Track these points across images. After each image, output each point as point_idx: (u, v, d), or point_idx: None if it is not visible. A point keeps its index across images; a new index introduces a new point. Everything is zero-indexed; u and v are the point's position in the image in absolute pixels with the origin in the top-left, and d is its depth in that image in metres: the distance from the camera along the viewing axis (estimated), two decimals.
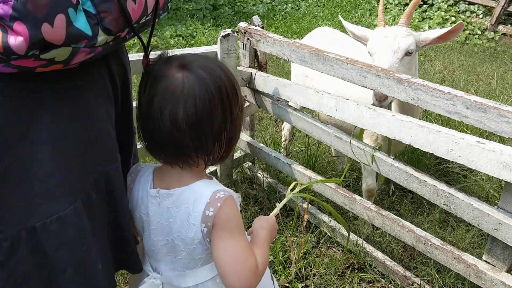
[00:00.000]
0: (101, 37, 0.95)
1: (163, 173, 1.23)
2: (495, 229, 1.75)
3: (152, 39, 1.19)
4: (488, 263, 1.92)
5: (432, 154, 1.86)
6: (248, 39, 2.67)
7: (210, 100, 1.09)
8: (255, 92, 2.80)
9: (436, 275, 2.32)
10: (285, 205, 2.96)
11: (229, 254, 1.13)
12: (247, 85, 2.82)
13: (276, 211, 1.55)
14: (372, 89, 2.02)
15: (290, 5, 8.67)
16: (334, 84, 2.65)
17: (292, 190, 1.77)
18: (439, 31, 2.30)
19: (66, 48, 0.91)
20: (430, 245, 2.08)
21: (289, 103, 2.84)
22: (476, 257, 1.99)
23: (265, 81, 2.68)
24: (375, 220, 2.32)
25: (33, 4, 0.83)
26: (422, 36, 2.32)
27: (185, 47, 6.49)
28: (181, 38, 6.87)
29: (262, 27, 2.69)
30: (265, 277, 1.49)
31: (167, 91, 1.09)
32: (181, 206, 1.17)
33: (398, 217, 2.24)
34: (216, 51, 2.55)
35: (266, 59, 2.89)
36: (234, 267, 1.12)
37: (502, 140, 3.29)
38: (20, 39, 0.84)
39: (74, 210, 1.05)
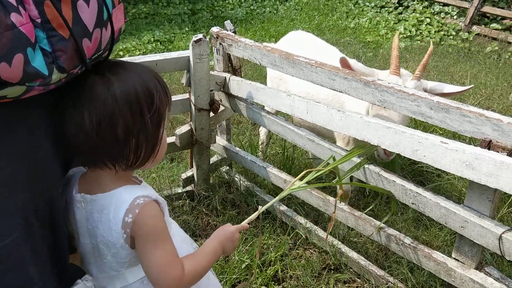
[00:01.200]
0: (55, 75, 0.96)
1: (88, 177, 1.25)
2: (461, 227, 1.79)
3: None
4: (458, 260, 1.96)
5: None
6: (220, 43, 2.68)
7: (113, 105, 1.10)
8: (230, 96, 2.82)
9: (409, 273, 2.36)
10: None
11: (153, 263, 1.17)
12: (222, 90, 2.84)
13: (253, 216, 1.58)
14: (341, 91, 2.05)
15: (268, 9, 8.72)
16: (306, 86, 2.68)
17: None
18: (449, 88, 2.27)
19: (20, 86, 0.91)
20: (402, 244, 2.12)
21: (265, 107, 2.86)
22: (447, 255, 2.02)
23: (238, 85, 2.69)
24: (348, 221, 2.35)
25: None
26: (431, 88, 2.29)
27: (163, 52, 6.47)
28: (159, 43, 6.86)
29: (234, 32, 2.70)
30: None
31: (79, 91, 1.11)
32: (103, 211, 1.18)
33: (371, 218, 2.28)
34: (189, 56, 2.56)
35: (240, 63, 2.91)
36: (158, 275, 1.17)
37: (473, 140, 3.35)
38: None
39: (17, 238, 1.04)
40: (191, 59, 2.54)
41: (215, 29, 2.68)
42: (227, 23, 2.73)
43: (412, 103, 1.77)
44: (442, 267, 1.98)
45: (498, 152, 1.54)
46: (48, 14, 0.93)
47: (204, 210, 3.03)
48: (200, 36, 2.49)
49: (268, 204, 1.70)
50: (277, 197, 1.78)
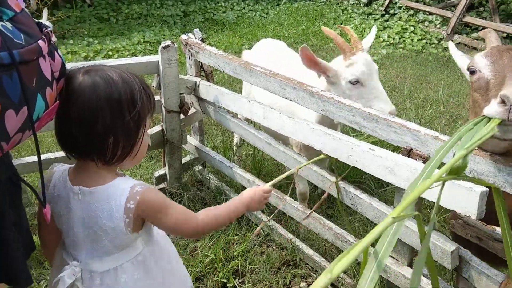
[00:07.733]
0: None
1: (79, 172, 1.41)
2: None
3: None
4: (393, 257, 2.13)
5: None
6: (189, 50, 2.85)
7: (96, 103, 1.28)
8: (200, 99, 2.99)
9: (355, 269, 2.53)
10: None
11: (171, 225, 1.42)
12: (192, 93, 3.01)
13: (273, 181, 1.77)
14: (291, 100, 2.22)
15: (259, 13, 8.90)
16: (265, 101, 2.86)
17: None
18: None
19: None
20: (346, 241, 2.29)
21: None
22: None
23: (207, 90, 2.86)
24: (302, 219, 2.52)
25: None
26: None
27: (151, 53, 6.64)
28: (148, 44, 7.03)
29: (202, 40, 2.88)
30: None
31: (68, 90, 1.29)
32: (103, 201, 1.35)
33: (320, 216, 2.45)
34: (158, 61, 2.73)
35: (211, 69, 3.08)
36: (179, 230, 1.45)
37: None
38: None
39: None
40: (160, 64, 2.71)
41: (184, 37, 2.86)
42: (196, 31, 2.90)
43: (348, 113, 1.94)
44: None
45: (416, 159, 1.72)
46: None
47: None
48: (168, 42, 2.66)
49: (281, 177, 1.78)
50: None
